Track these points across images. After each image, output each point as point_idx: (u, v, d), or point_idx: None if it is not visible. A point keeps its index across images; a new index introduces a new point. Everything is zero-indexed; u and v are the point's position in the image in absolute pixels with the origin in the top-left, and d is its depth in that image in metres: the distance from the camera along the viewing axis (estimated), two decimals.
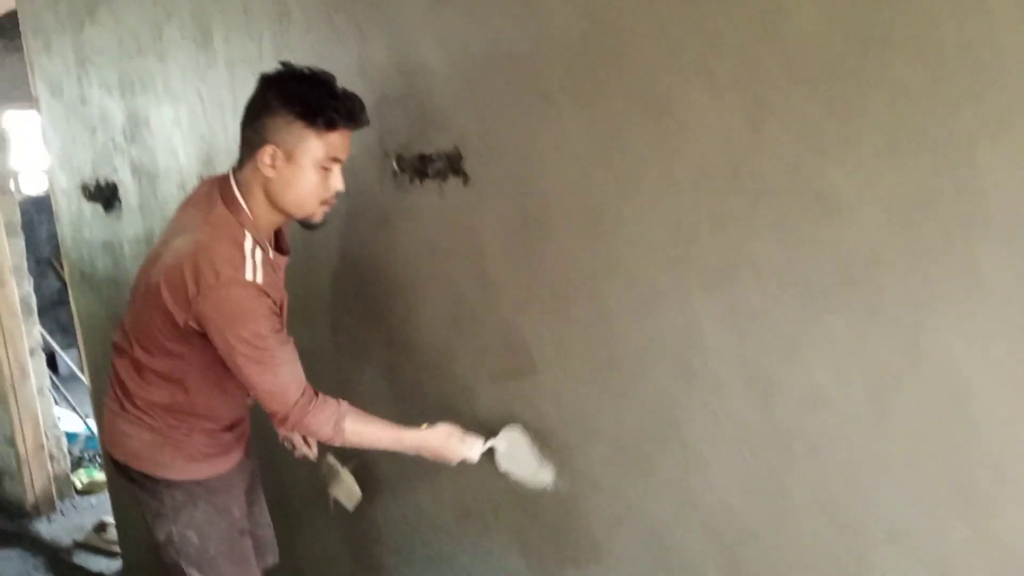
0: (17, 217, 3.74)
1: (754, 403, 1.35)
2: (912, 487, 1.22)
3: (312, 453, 1.95)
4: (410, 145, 1.71)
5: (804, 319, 1.27)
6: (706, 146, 1.31)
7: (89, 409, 4.47)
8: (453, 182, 1.67)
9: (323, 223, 1.61)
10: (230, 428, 1.80)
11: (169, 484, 1.73)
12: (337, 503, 1.92)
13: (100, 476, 4.16)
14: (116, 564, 3.29)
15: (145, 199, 2.50)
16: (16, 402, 3.70)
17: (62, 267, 6.10)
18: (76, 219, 2.86)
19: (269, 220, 1.59)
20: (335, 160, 1.52)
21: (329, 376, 1.96)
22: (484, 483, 1.80)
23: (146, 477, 1.74)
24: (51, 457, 3.89)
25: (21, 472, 3.77)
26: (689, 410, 1.43)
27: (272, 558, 2.01)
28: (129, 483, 1.80)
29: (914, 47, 1.09)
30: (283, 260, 1.67)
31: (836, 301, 1.23)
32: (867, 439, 1.24)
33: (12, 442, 3.75)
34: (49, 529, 3.74)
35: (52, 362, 4.94)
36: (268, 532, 2.02)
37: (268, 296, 1.53)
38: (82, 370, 4.88)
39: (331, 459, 1.91)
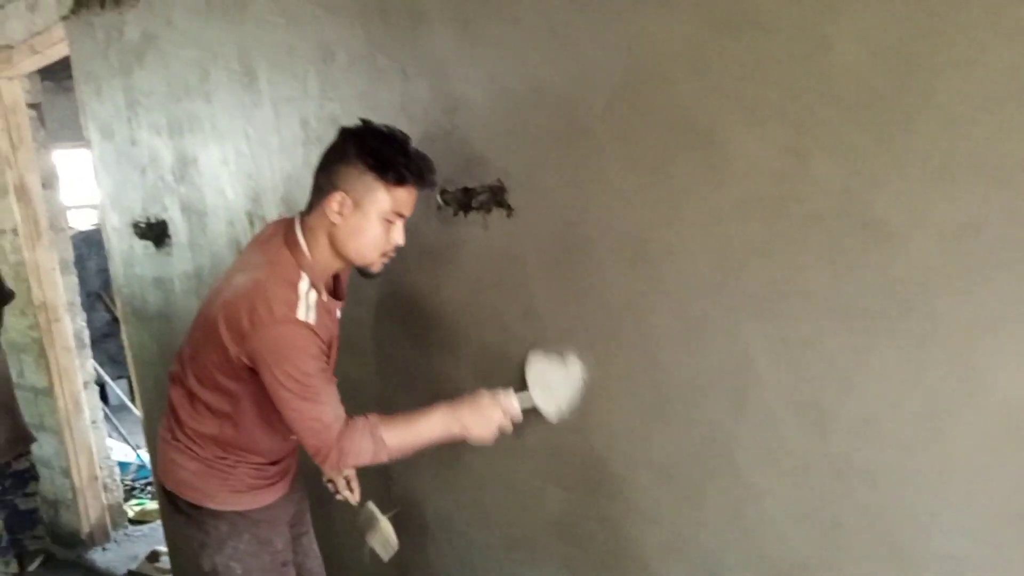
0: (70, 254, 3.81)
1: (807, 433, 1.34)
2: (971, 517, 1.19)
3: (354, 498, 1.97)
4: (453, 179, 1.74)
5: (856, 347, 1.25)
6: (750, 175, 1.31)
7: (140, 439, 4.56)
8: (497, 214, 1.69)
9: (380, 274, 1.65)
10: (275, 463, 1.84)
11: (214, 514, 1.78)
12: (373, 552, 1.92)
13: (151, 505, 4.23)
14: None
15: (195, 236, 2.57)
16: (71, 434, 3.78)
17: (111, 300, 6.27)
18: (127, 256, 2.94)
19: (329, 265, 1.64)
20: (399, 215, 1.58)
21: (374, 406, 1.98)
22: (532, 513, 1.80)
23: (192, 507, 1.79)
24: (105, 488, 3.96)
25: (76, 502, 3.85)
26: (741, 440, 1.42)
27: None
28: (176, 513, 1.84)
29: (960, 73, 1.08)
30: (337, 305, 1.72)
31: (888, 328, 1.21)
32: (924, 468, 1.22)
33: (68, 473, 3.83)
34: (104, 558, 3.81)
35: (103, 393, 5.05)
36: (316, 563, 2.05)
37: (318, 336, 1.57)
38: (132, 400, 4.98)
39: (371, 506, 1.92)
